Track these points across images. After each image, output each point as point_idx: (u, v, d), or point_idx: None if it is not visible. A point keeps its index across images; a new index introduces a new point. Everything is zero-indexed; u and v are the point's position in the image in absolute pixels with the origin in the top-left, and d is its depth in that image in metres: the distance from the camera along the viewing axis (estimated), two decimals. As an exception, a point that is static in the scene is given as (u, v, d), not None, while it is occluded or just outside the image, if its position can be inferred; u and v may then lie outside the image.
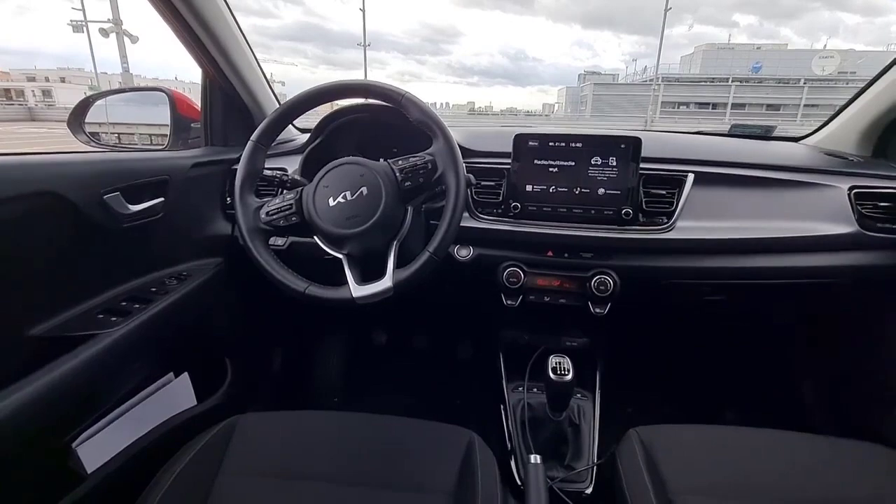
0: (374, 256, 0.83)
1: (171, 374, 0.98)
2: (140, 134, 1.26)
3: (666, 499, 0.67)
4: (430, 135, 0.85)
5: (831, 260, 0.95)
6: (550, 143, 0.97)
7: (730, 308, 1.07)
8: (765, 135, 1.29)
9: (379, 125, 1.11)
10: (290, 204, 0.82)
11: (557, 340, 1.11)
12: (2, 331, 0.68)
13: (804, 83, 29.11)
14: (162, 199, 0.92)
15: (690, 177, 0.98)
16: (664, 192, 0.98)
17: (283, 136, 1.24)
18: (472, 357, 1.34)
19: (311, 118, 1.17)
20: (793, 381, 1.24)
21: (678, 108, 30.41)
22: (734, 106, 29.44)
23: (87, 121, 1.11)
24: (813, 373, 1.19)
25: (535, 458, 0.72)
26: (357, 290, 0.78)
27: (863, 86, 1.07)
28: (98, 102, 1.12)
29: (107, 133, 1.19)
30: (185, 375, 0.99)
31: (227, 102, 1.10)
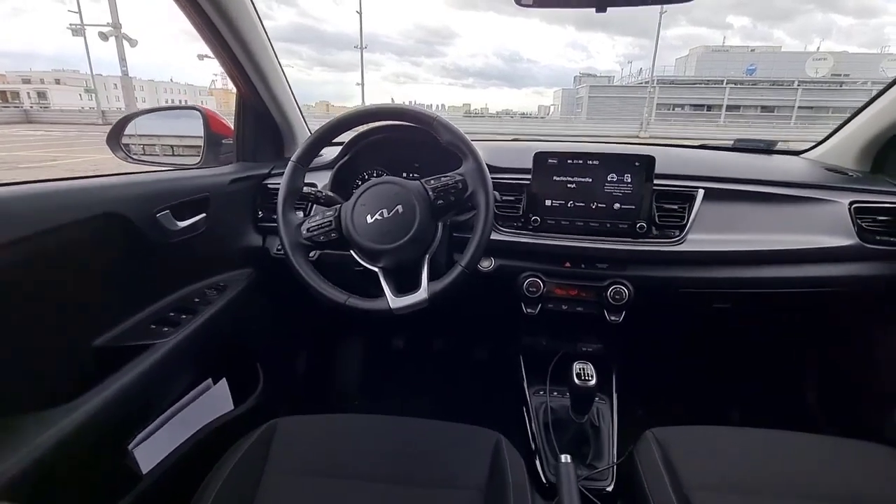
0: (406, 269, 0.89)
1: (209, 381, 1.03)
2: (176, 146, 1.32)
3: (682, 494, 0.72)
4: (459, 156, 0.90)
5: (832, 270, 1.02)
6: (569, 161, 1.03)
7: (736, 315, 1.13)
8: (767, 149, 1.35)
9: (403, 143, 1.16)
10: (330, 221, 0.88)
11: (574, 346, 1.17)
12: (72, 343, 0.74)
13: (798, 85, 29.39)
14: (203, 214, 0.98)
15: (700, 192, 1.04)
16: (676, 206, 1.04)
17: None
18: (492, 362, 1.40)
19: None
20: (796, 384, 1.30)
21: (673, 109, 30.66)
22: (729, 108, 29.68)
23: (126, 138, 1.16)
24: (815, 376, 1.26)
25: (565, 458, 0.78)
26: (394, 302, 0.84)
27: (863, 103, 1.14)
28: (136, 120, 1.17)
29: (145, 146, 1.24)
30: (224, 381, 1.04)
31: (259, 120, 1.15)
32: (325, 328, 1.58)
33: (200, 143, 1.25)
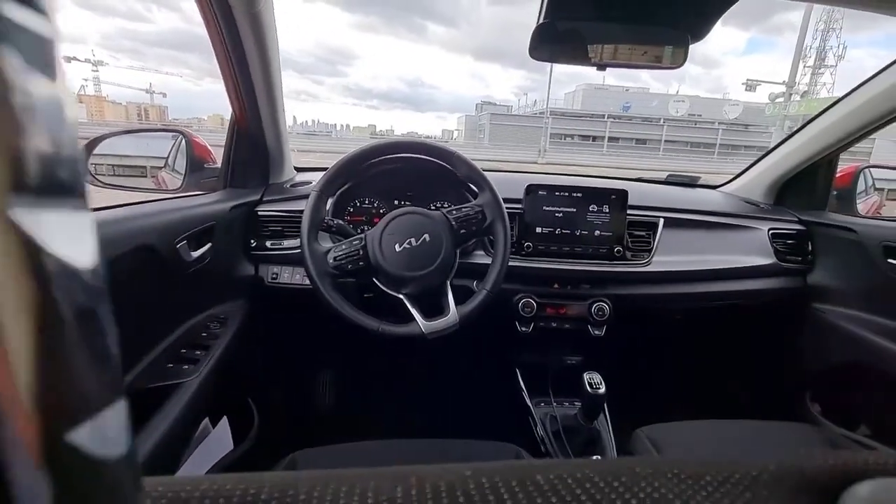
0: (428, 294, 0.94)
1: (206, 421, 0.96)
2: (150, 170, 1.23)
3: None
4: (476, 188, 0.98)
5: (759, 284, 1.25)
6: (556, 193, 1.16)
7: (691, 324, 1.33)
8: (692, 183, 1.61)
9: (397, 174, 1.21)
10: (357, 249, 0.90)
11: (561, 359, 1.28)
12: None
13: (663, 122, 33.95)
14: (210, 244, 0.93)
15: (661, 221, 1.23)
16: (644, 233, 1.22)
17: (294, 178, 1.29)
18: (491, 378, 1.46)
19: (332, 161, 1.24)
20: (741, 379, 1.54)
21: (564, 139, 33.60)
22: (610, 139, 33.32)
23: (94, 157, 1.06)
24: (754, 370, 1.50)
25: (597, 458, 0.87)
26: (426, 327, 0.88)
27: (768, 149, 1.43)
28: (108, 141, 1.07)
29: (115, 168, 1.14)
30: (225, 420, 0.98)
31: (252, 145, 1.12)
32: (316, 357, 1.53)
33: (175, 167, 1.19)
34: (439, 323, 0.88)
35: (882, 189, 1.71)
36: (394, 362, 1.63)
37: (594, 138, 33.62)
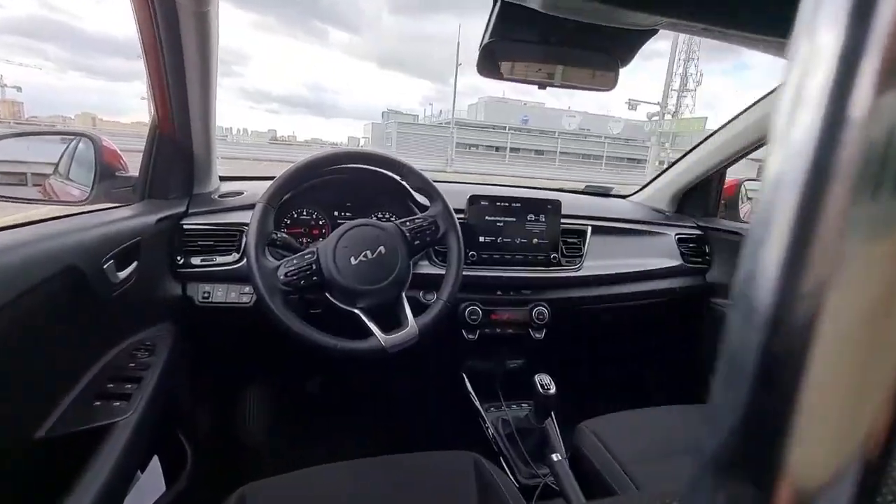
0: (383, 308, 0.93)
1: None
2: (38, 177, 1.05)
3: (622, 468, 0.93)
4: (428, 199, 0.99)
5: (670, 283, 1.41)
6: (497, 203, 1.20)
7: (617, 322, 1.45)
8: (605, 193, 1.77)
9: (336, 184, 1.17)
10: (310, 264, 0.86)
11: (504, 364, 1.33)
12: (9, 442, 0.56)
13: (558, 135, 36.60)
14: (136, 262, 0.83)
15: (589, 229, 1.33)
16: (575, 240, 1.31)
17: (220, 188, 1.19)
18: (439, 387, 1.45)
19: (238, 169, 1.17)
20: (662, 368, 1.71)
21: (469, 149, 34.75)
22: (512, 150, 35.12)
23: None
24: (670, 360, 1.66)
25: (557, 457, 0.91)
26: (386, 340, 0.87)
27: (670, 163, 1.62)
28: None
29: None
30: (156, 460, 0.87)
31: (177, 153, 1.02)
32: (253, 381, 1.41)
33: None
34: (399, 336, 0.87)
35: (752, 198, 2.02)
36: (338, 380, 1.57)
37: (497, 148, 35.19)
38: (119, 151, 1.06)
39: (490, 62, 0.97)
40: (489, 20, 0.92)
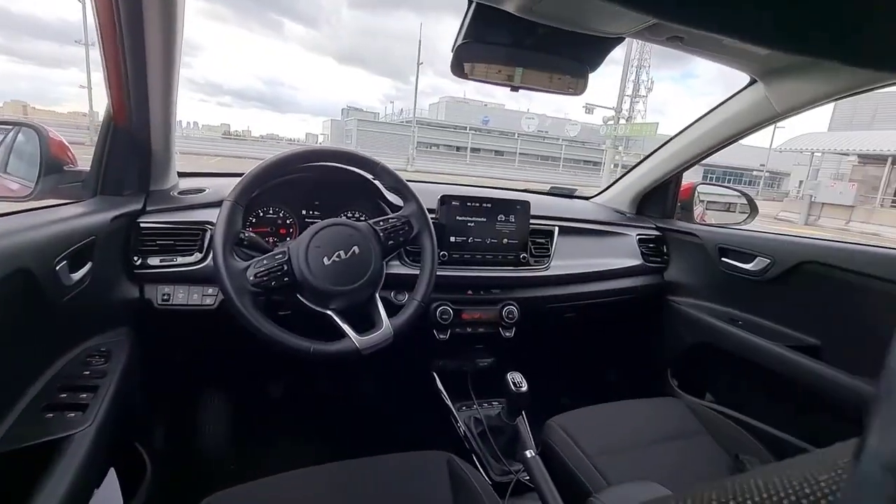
0: (356, 308, 0.91)
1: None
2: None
3: (589, 461, 0.96)
4: (402, 199, 0.98)
5: (631, 282, 1.47)
6: (468, 203, 1.21)
7: (581, 320, 1.49)
8: (569, 194, 1.82)
9: (303, 182, 1.14)
10: (281, 264, 0.84)
11: (474, 363, 1.34)
12: None
13: (518, 136, 37.23)
14: (90, 263, 0.78)
15: (556, 229, 1.36)
16: (543, 240, 1.34)
17: (178, 184, 1.14)
18: (409, 388, 1.43)
19: (188, 164, 1.12)
20: (623, 363, 1.76)
21: (430, 148, 34.77)
22: (472, 150, 35.41)
23: None
24: (631, 356, 1.73)
25: (530, 453, 0.93)
26: (360, 342, 0.85)
27: (630, 167, 1.68)
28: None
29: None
30: (112, 473, 0.82)
31: (133, 146, 0.96)
32: (215, 386, 1.34)
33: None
34: (373, 337, 0.86)
35: (703, 201, 2.13)
36: (305, 383, 1.53)
37: (458, 148, 35.40)
38: (67, 144, 0.99)
39: (463, 64, 0.97)
40: (463, 22, 0.92)
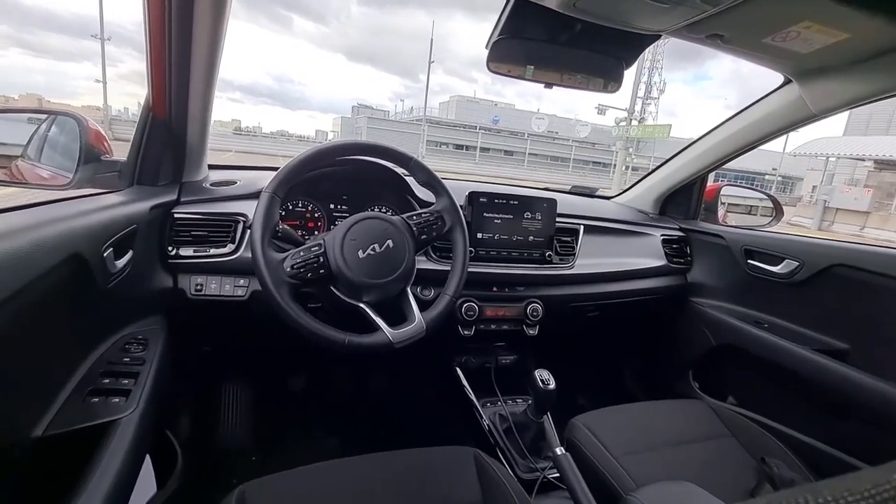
0: (387, 302, 0.91)
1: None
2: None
3: (616, 460, 0.96)
4: (434, 194, 0.99)
5: (654, 282, 1.46)
6: (496, 200, 1.21)
7: (602, 320, 1.49)
8: (591, 194, 1.81)
9: (334, 176, 1.15)
10: (317, 256, 0.84)
11: (498, 359, 1.34)
12: (8, 441, 0.52)
13: (527, 137, 37.13)
14: (131, 251, 0.79)
15: (581, 228, 1.36)
16: (568, 238, 1.33)
17: (209, 176, 1.15)
18: (434, 383, 1.44)
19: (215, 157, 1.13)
20: (644, 364, 1.75)
21: (439, 147, 34.79)
22: (482, 149, 35.37)
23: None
24: (652, 357, 1.72)
25: (560, 450, 0.92)
26: (393, 335, 0.85)
27: (651, 168, 1.67)
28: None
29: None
30: (147, 459, 0.83)
31: (170, 138, 0.97)
32: (246, 377, 1.36)
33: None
34: (406, 331, 0.86)
35: (724, 203, 2.12)
36: (329, 376, 1.53)
37: (467, 147, 35.33)
38: (104, 133, 1.00)
39: (499, 59, 0.97)
40: (500, 18, 0.92)
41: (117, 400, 0.66)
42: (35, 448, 0.55)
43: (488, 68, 0.96)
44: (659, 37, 0.94)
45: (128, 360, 0.75)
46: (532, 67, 0.96)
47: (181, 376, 1.06)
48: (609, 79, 0.99)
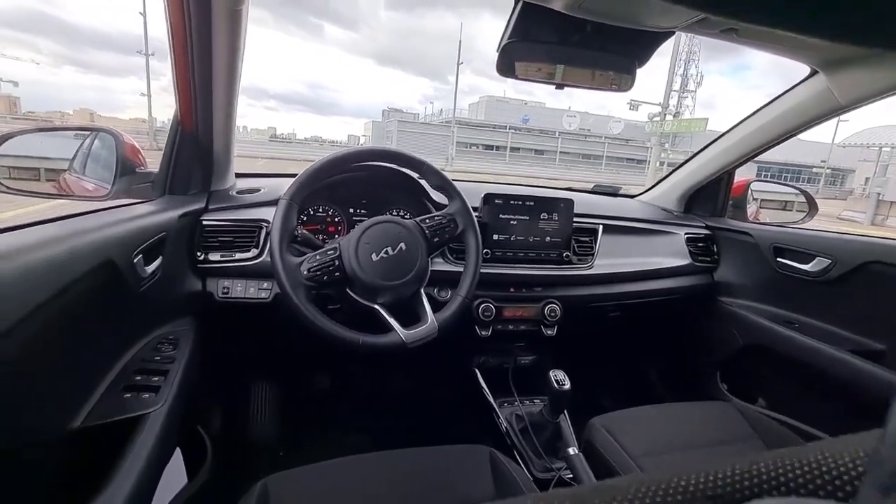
0: (401, 303, 0.94)
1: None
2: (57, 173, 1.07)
3: (632, 461, 0.95)
4: (447, 198, 1.01)
5: (678, 282, 1.43)
6: (511, 201, 1.22)
7: (624, 320, 1.47)
8: (614, 193, 1.79)
9: (352, 182, 1.18)
10: (333, 260, 0.87)
11: (516, 360, 1.34)
12: (49, 431, 0.57)
13: (558, 135, 36.63)
14: (161, 257, 0.84)
15: (601, 227, 1.35)
16: (587, 238, 1.32)
17: (236, 184, 1.21)
18: (451, 383, 1.46)
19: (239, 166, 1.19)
20: (668, 365, 1.72)
21: (469, 147, 34.79)
22: (512, 149, 35.14)
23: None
24: (676, 357, 1.68)
25: (573, 450, 0.93)
26: (406, 335, 0.88)
27: (676, 164, 1.63)
28: (18, 139, 0.92)
29: (15, 171, 0.97)
30: (178, 452, 0.89)
31: (198, 149, 1.03)
32: (271, 375, 1.43)
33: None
34: (419, 331, 0.89)
35: (757, 199, 2.04)
36: (350, 375, 1.58)
37: (497, 148, 35.21)
38: (138, 147, 1.07)
39: (509, 63, 0.98)
40: (509, 21, 0.93)
41: (147, 395, 0.71)
42: (73, 438, 0.60)
43: (498, 72, 0.97)
44: (672, 34, 0.93)
45: (159, 358, 0.81)
46: (542, 69, 0.96)
47: (209, 375, 1.12)
48: (621, 78, 0.98)
